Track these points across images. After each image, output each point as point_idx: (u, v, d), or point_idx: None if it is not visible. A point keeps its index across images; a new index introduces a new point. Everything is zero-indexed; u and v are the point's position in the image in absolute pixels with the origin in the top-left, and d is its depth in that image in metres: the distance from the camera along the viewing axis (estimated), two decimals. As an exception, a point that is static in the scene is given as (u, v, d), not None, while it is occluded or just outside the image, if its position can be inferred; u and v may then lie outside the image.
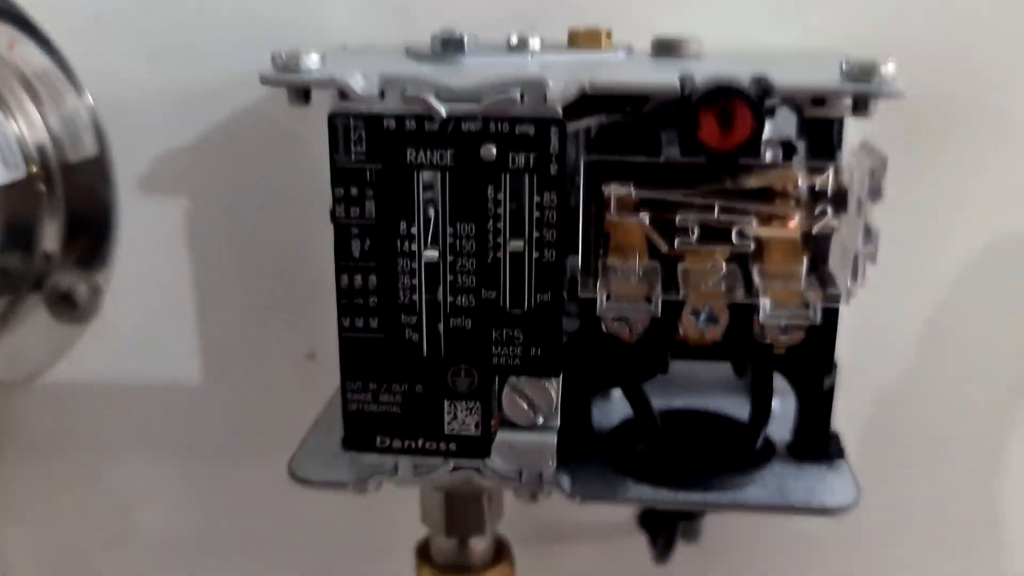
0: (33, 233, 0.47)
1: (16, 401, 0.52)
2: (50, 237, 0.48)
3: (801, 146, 0.37)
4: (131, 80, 0.47)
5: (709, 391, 0.46)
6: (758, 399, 0.40)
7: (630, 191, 0.36)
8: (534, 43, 0.40)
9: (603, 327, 0.38)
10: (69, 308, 0.50)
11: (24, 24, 0.48)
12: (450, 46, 0.38)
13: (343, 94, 0.35)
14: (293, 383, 0.50)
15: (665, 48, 0.41)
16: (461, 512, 0.44)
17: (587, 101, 0.35)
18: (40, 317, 0.50)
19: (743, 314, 0.38)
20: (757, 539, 0.53)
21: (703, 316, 0.39)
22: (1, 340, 0.49)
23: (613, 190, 0.36)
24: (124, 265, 0.49)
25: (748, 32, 0.44)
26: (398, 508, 0.44)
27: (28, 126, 0.47)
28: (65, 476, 0.53)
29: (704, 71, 0.34)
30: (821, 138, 0.37)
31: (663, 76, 0.35)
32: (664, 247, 0.36)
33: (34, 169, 0.47)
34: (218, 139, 0.47)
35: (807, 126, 0.38)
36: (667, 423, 0.42)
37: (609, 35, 0.41)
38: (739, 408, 0.45)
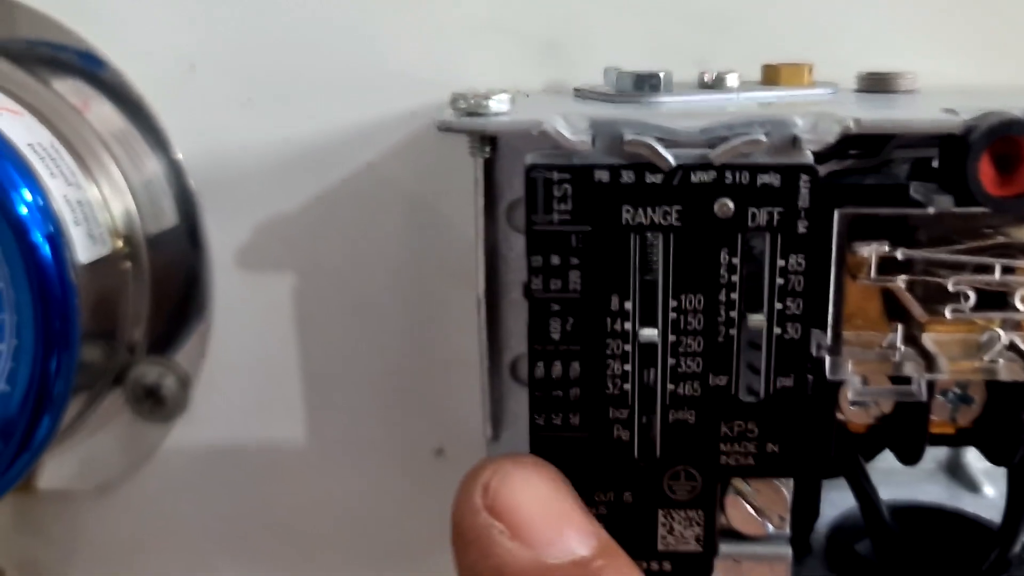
0: (117, 318, 0.40)
1: (85, 509, 0.45)
2: (135, 322, 0.41)
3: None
4: (227, 137, 0.40)
5: (907, 481, 0.40)
6: (1017, 495, 0.34)
7: (891, 250, 0.29)
8: (731, 80, 0.34)
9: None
10: (154, 404, 0.42)
11: (97, 81, 0.42)
12: (645, 84, 0.32)
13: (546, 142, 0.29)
14: (418, 483, 0.43)
15: (876, 83, 0.35)
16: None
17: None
18: (121, 416, 0.43)
19: (1003, 393, 0.32)
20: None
21: (951, 396, 0.32)
22: (75, 446, 0.42)
23: (874, 250, 0.29)
24: (218, 352, 0.42)
25: (952, 67, 0.38)
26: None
27: (112, 191, 0.40)
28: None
29: (966, 107, 0.28)
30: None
31: (931, 113, 0.29)
32: (923, 316, 0.30)
33: (119, 244, 0.40)
34: (329, 203, 0.41)
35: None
36: (895, 521, 0.35)
37: (811, 71, 0.35)
38: (955, 500, 0.39)
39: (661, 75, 0.32)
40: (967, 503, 0.39)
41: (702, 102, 0.32)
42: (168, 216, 0.43)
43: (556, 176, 0.29)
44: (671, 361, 0.30)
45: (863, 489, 0.34)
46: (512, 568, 0.27)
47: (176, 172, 0.42)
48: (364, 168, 0.40)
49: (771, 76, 0.35)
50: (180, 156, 0.41)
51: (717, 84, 0.33)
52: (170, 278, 0.43)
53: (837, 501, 0.37)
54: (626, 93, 0.33)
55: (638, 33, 0.39)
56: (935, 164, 0.30)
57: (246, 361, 0.42)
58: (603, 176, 0.29)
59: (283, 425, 0.43)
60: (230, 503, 0.44)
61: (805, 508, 0.33)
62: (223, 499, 0.44)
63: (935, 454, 0.40)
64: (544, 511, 0.29)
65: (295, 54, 0.39)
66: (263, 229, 0.41)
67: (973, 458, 0.40)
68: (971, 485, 0.40)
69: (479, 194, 0.34)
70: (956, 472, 0.40)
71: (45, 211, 0.35)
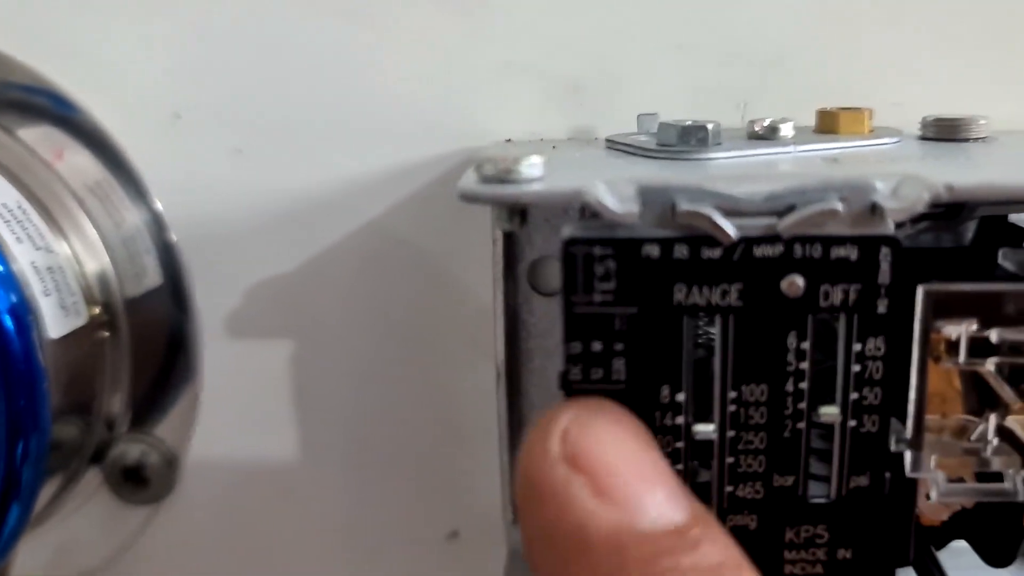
0: (94, 392, 0.36)
1: (60, 600, 0.41)
2: (113, 394, 0.37)
3: None
4: (214, 188, 0.36)
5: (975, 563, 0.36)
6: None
7: (981, 330, 0.26)
8: (785, 129, 0.30)
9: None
10: (137, 485, 0.38)
11: (71, 127, 0.38)
12: (691, 137, 0.28)
13: (587, 212, 0.25)
14: (432, 569, 0.39)
15: (945, 130, 0.31)
16: None
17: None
18: (101, 498, 0.38)
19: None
20: None
21: (1035, 487, 0.28)
22: (50, 531, 0.38)
23: (964, 330, 0.25)
24: (207, 426, 0.38)
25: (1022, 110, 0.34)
26: None
27: (86, 250, 0.36)
28: None
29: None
30: None
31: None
32: (1016, 400, 0.26)
33: (96, 311, 0.36)
34: (329, 262, 0.37)
35: None
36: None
37: (870, 115, 0.31)
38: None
39: (709, 127, 0.28)
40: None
41: (756, 157, 0.28)
42: (151, 275, 0.39)
43: (598, 251, 0.25)
44: (729, 460, 0.26)
45: (935, 585, 0.30)
46: (596, 531, 0.22)
47: (159, 227, 0.38)
48: (367, 224, 0.36)
49: (828, 123, 0.31)
50: (161, 208, 0.37)
51: (770, 134, 0.30)
52: (153, 344, 0.39)
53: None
54: (669, 147, 0.29)
55: (672, 73, 0.35)
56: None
57: (239, 436, 0.38)
58: (652, 251, 0.25)
59: (281, 508, 0.39)
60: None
61: (877, 616, 0.29)
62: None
63: None
64: (632, 466, 0.23)
65: (290, 99, 0.36)
66: (255, 290, 0.37)
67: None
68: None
69: (498, 260, 0.30)
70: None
71: (8, 280, 0.31)
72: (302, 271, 0.37)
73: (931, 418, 0.27)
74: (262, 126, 0.36)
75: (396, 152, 0.35)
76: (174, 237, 0.38)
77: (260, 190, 0.36)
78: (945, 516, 0.29)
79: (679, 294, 0.25)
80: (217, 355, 0.38)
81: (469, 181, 0.25)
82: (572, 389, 0.26)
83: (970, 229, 0.30)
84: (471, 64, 0.35)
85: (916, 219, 0.27)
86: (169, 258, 0.38)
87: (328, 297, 0.37)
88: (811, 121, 0.32)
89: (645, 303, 0.25)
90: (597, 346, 0.25)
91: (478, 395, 0.36)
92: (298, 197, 0.36)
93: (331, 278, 0.37)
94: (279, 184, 0.36)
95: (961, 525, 0.30)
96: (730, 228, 0.24)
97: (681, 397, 0.25)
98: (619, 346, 0.25)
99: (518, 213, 0.26)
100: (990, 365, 0.26)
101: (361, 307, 0.37)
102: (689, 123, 0.29)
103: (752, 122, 0.30)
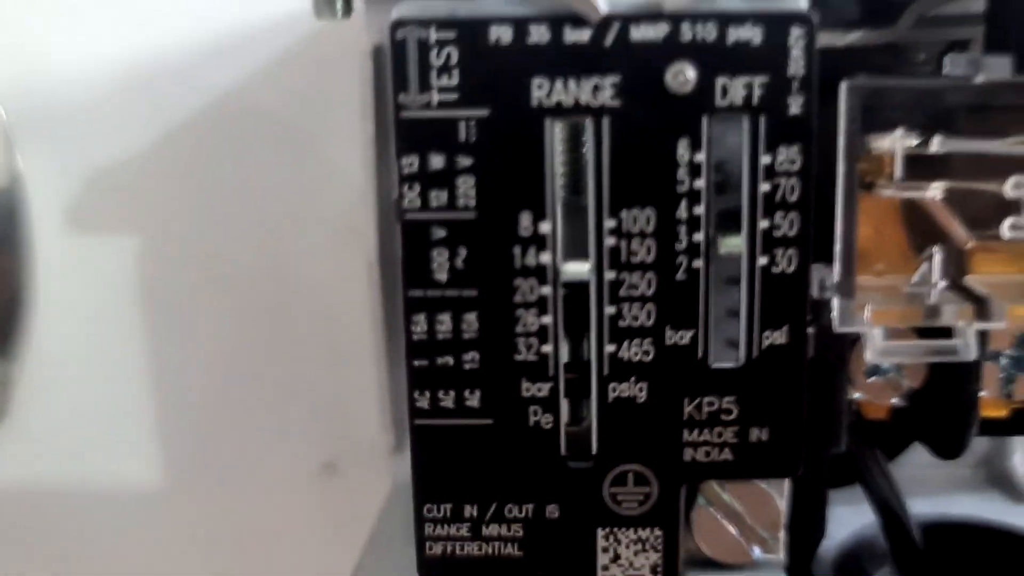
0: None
1: None
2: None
3: None
4: (44, 58, 0.31)
5: (935, 490, 0.31)
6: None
7: (924, 141, 0.20)
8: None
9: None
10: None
11: None
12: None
13: None
14: (301, 506, 0.33)
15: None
16: None
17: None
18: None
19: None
20: None
21: (1004, 361, 0.23)
22: None
23: (899, 143, 0.20)
24: (44, 343, 0.33)
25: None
26: None
27: None
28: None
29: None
30: None
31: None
32: (968, 240, 0.21)
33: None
34: (177, 143, 0.31)
35: None
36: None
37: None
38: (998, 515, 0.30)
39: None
40: (1014, 517, 0.29)
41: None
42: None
43: (435, 35, 0.19)
44: (610, 310, 0.21)
45: (884, 500, 0.25)
46: None
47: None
48: (223, 96, 0.31)
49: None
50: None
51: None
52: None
53: (848, 519, 0.27)
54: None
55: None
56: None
57: (78, 350, 0.33)
58: (503, 34, 0.19)
59: (128, 439, 0.33)
60: (61, 541, 0.34)
61: (806, 525, 0.23)
62: (60, 519, 0.34)
63: (969, 456, 0.31)
64: None
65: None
66: (96, 179, 0.32)
67: (1021, 461, 0.31)
68: (1018, 494, 0.30)
69: (368, 117, 0.25)
70: (998, 479, 0.31)
71: None
72: (145, 156, 0.31)
73: (870, 277, 0.22)
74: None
75: (250, 6, 0.30)
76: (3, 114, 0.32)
77: (94, 61, 0.31)
78: (894, 402, 0.24)
79: (539, 91, 0.20)
80: (52, 256, 0.32)
81: None
82: (408, 220, 0.20)
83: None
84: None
85: (847, 25, 0.22)
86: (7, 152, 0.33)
87: (176, 184, 0.32)
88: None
89: (496, 103, 0.20)
90: (438, 161, 0.20)
91: (353, 299, 0.30)
92: (145, 67, 0.31)
93: (179, 163, 0.31)
94: (115, 52, 0.31)
95: (914, 420, 0.24)
96: (600, 1, 0.19)
97: (546, 227, 0.20)
98: (465, 161, 0.20)
99: (338, -8, 0.20)
100: (935, 191, 0.21)
101: (213, 195, 0.31)
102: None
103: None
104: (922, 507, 0.29)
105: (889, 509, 0.25)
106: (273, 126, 0.31)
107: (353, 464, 0.33)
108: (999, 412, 0.24)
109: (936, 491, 0.30)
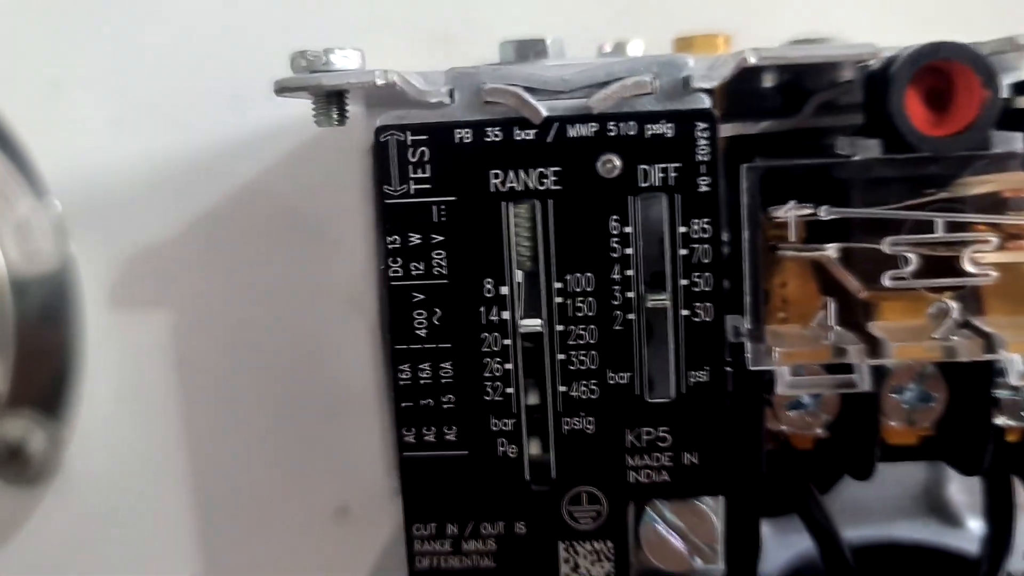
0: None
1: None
2: (-8, 372, 0.37)
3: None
4: (95, 159, 0.36)
5: (879, 519, 0.34)
6: (998, 516, 0.28)
7: (813, 211, 0.25)
8: (634, 47, 0.30)
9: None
10: (19, 465, 0.37)
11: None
12: (529, 52, 0.28)
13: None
14: (319, 548, 0.37)
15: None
16: None
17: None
18: (-20, 480, 0.37)
19: (966, 383, 0.27)
20: None
21: (908, 395, 0.27)
22: (-74, 515, 0.37)
23: (791, 213, 0.24)
24: (92, 406, 0.37)
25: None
26: None
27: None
28: None
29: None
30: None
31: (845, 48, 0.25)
32: (861, 291, 0.25)
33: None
34: (209, 230, 0.36)
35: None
36: (859, 563, 0.29)
37: (727, 41, 0.31)
38: (937, 536, 0.33)
39: (548, 40, 0.28)
40: (949, 540, 0.33)
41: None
42: (49, 257, 0.38)
43: (410, 138, 0.24)
44: (560, 356, 0.25)
45: (817, 523, 0.29)
46: None
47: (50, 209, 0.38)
48: (244, 187, 0.36)
49: (683, 47, 0.31)
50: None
51: (616, 52, 0.29)
52: (39, 323, 0.38)
53: (793, 542, 0.31)
54: (508, 63, 0.28)
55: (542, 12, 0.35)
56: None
57: (121, 412, 0.37)
58: (465, 135, 0.24)
59: (166, 488, 0.37)
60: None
61: (743, 539, 0.27)
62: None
63: (910, 486, 0.35)
64: None
65: (165, 64, 0.36)
66: (138, 263, 0.37)
67: (956, 489, 0.34)
68: (953, 520, 0.34)
69: (368, 203, 0.29)
70: (936, 507, 0.35)
71: None
72: (182, 244, 0.36)
73: (786, 327, 0.26)
74: (141, 93, 0.36)
75: (268, 110, 0.35)
76: (59, 211, 0.37)
77: (139, 160, 0.36)
78: (816, 433, 0.27)
79: (495, 179, 0.24)
80: (99, 328, 0.37)
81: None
82: (392, 286, 0.25)
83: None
84: (340, 22, 0.35)
85: (758, 114, 0.27)
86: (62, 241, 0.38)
87: (204, 264, 0.36)
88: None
89: (462, 191, 0.24)
90: (415, 238, 0.25)
91: (362, 363, 0.35)
92: (176, 166, 0.36)
93: (206, 244, 0.36)
94: (155, 153, 0.36)
95: (834, 448, 0.28)
96: (539, 106, 0.24)
97: (506, 290, 0.25)
98: (438, 237, 0.25)
99: (335, 101, 0.25)
100: (832, 252, 0.25)
101: (236, 273, 0.36)
102: (527, 38, 0.29)
103: (601, 44, 0.30)
104: (864, 533, 0.33)
105: (824, 534, 0.29)
106: (288, 212, 0.36)
107: (365, 507, 0.37)
108: (908, 439, 0.28)
109: (877, 519, 0.33)
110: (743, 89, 0.26)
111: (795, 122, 0.27)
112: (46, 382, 0.38)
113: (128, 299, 0.37)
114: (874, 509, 0.34)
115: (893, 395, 0.27)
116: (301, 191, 0.36)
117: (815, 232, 0.25)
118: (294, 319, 0.36)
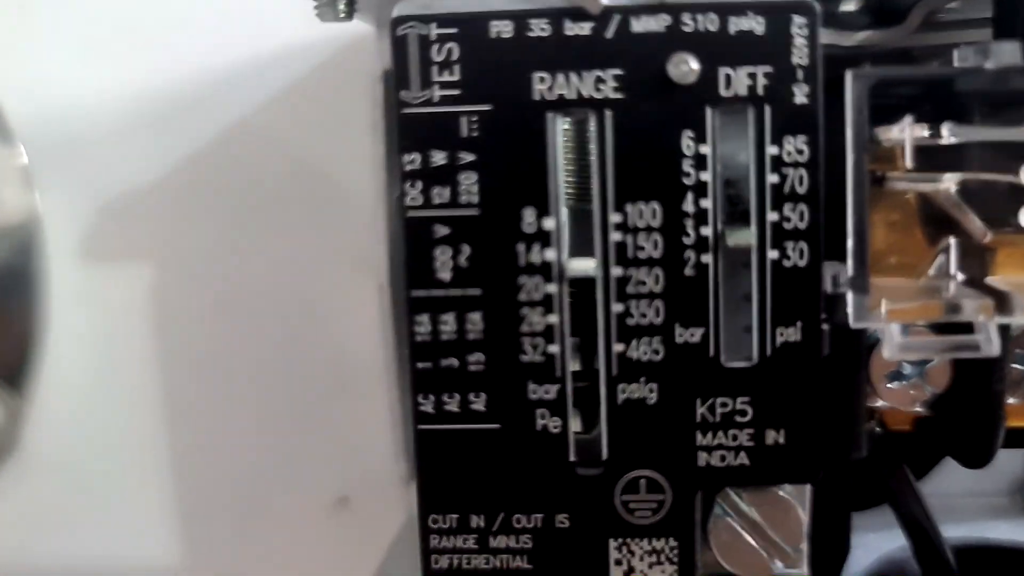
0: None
1: None
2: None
3: None
4: (61, 93, 0.31)
5: (971, 516, 0.29)
6: None
7: (934, 131, 0.20)
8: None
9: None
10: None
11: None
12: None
13: None
14: (315, 541, 0.33)
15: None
16: None
17: None
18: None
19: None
20: None
21: (1026, 361, 0.22)
22: None
23: (907, 132, 0.20)
24: (56, 377, 0.33)
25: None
26: None
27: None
28: None
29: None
30: None
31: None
32: (985, 233, 0.20)
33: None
34: (193, 176, 0.32)
35: None
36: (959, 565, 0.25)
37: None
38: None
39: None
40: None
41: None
42: (15, 207, 0.33)
43: (435, 31, 0.19)
44: (617, 308, 0.20)
45: (914, 518, 0.24)
46: None
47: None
48: (235, 125, 0.31)
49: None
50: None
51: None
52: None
53: (877, 544, 0.26)
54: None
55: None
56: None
57: (91, 381, 0.32)
58: (503, 28, 0.19)
59: (138, 469, 0.33)
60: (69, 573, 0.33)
61: (830, 538, 0.22)
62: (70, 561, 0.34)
63: (1008, 479, 0.30)
64: None
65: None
66: (112, 214, 0.32)
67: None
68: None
69: (378, 140, 0.25)
70: (1034, 505, 0.30)
71: None
72: (160, 187, 0.32)
73: (883, 279, 0.21)
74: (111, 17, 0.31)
75: (263, 36, 0.30)
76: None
77: (111, 94, 0.31)
78: (918, 410, 0.23)
79: (540, 85, 0.20)
80: (66, 286, 0.32)
81: None
82: (410, 218, 0.20)
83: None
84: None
85: (857, 26, 0.22)
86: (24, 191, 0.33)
87: (190, 213, 0.32)
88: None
89: (498, 99, 0.20)
90: (440, 158, 0.20)
91: (369, 327, 0.30)
92: (157, 100, 0.31)
93: (190, 190, 0.31)
94: (131, 85, 0.31)
95: (939, 429, 0.23)
96: (598, -8, 0.19)
97: (550, 223, 0.20)
98: (468, 157, 0.20)
99: (343, -3, 0.20)
100: (949, 183, 0.20)
101: (228, 225, 0.31)
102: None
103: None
104: (957, 533, 0.28)
105: (920, 530, 0.24)
106: (285, 156, 0.31)
107: (367, 497, 0.32)
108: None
109: (971, 518, 0.29)
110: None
111: (898, 34, 0.22)
112: (5, 350, 0.33)
113: (100, 255, 0.33)
114: (965, 507, 0.29)
115: (1017, 365, 0.22)
116: (301, 130, 0.31)
117: (923, 162, 0.20)
118: (290, 280, 0.32)
